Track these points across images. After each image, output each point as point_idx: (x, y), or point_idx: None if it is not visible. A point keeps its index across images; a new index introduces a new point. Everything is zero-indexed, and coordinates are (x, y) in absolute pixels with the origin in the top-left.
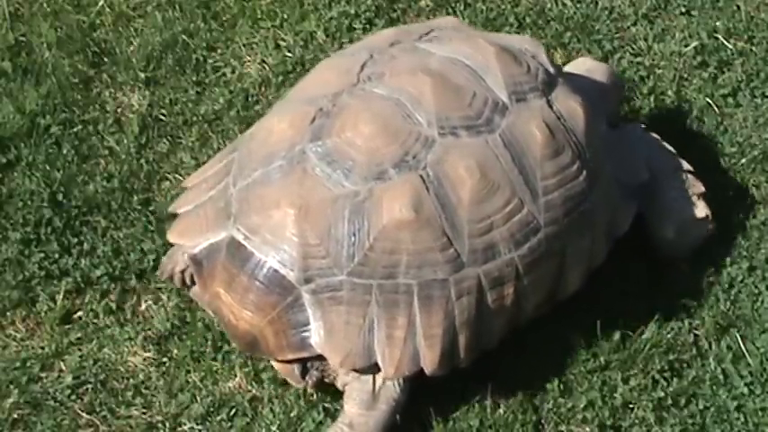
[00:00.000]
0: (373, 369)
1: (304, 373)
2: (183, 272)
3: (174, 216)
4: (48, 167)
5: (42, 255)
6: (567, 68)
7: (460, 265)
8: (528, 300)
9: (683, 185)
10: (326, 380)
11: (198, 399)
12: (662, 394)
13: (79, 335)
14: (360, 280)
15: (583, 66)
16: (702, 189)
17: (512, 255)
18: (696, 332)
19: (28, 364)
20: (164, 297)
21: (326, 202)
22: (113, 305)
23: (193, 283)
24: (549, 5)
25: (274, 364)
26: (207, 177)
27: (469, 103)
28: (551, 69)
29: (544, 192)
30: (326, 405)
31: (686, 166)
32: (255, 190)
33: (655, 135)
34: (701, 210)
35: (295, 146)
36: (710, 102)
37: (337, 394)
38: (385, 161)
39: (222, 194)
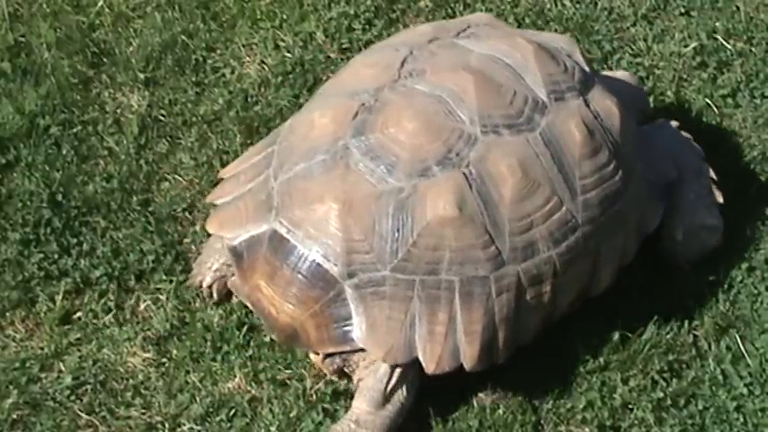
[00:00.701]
0: (410, 365)
1: (327, 359)
2: (210, 286)
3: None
4: (47, 168)
5: (42, 255)
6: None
7: (501, 263)
8: (563, 297)
9: (702, 191)
10: (346, 369)
11: (197, 399)
12: (661, 395)
13: (78, 335)
14: (403, 275)
15: (614, 74)
16: (721, 200)
17: (550, 253)
18: (695, 333)
19: (27, 364)
20: (163, 298)
21: (370, 198)
22: (112, 305)
23: (223, 295)
24: (548, 6)
25: (311, 355)
26: (245, 169)
27: (510, 101)
28: (587, 68)
29: (582, 191)
30: (326, 406)
31: (711, 173)
32: (298, 184)
33: (686, 134)
34: (714, 220)
35: (338, 141)
36: (710, 102)
37: (337, 395)
38: (428, 158)
39: (263, 187)
